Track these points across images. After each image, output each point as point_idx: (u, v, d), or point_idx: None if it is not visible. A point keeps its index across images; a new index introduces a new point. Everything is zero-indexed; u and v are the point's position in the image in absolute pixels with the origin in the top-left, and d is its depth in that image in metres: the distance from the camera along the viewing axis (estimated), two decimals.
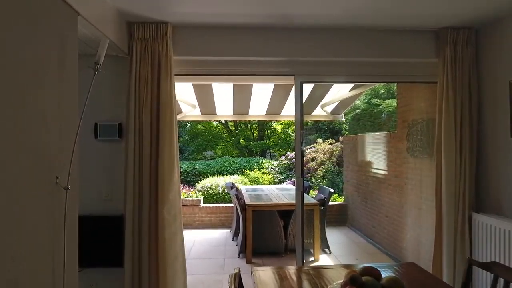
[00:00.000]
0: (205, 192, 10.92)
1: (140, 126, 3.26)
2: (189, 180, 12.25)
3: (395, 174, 5.01)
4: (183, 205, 6.77)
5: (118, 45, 3.06)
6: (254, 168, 12.29)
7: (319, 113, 6.72)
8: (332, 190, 5.35)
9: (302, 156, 3.79)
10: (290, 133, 17.29)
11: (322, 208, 5.21)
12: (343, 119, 6.66)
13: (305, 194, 5.73)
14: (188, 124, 16.16)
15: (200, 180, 11.70)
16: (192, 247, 5.70)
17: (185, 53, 3.44)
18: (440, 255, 3.32)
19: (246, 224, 4.95)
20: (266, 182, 11.55)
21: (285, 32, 3.43)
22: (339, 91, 5.61)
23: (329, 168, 9.32)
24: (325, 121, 12.29)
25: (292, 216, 5.18)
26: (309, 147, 11.27)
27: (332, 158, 10.17)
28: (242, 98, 5.73)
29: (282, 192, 5.92)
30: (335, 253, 5.34)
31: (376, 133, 5.87)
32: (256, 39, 3.45)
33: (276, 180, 11.49)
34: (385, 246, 5.31)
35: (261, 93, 5.51)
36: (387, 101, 8.30)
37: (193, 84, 5.04)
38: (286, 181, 11.10)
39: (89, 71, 2.36)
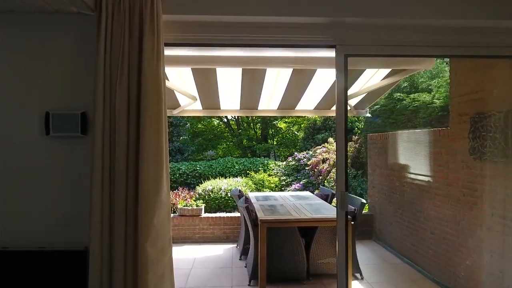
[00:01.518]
0: (206, 196, 9.83)
1: (112, 117, 2.14)
2: (189, 183, 11.14)
3: (446, 181, 3.89)
4: (181, 215, 5.64)
5: None
6: (259, 170, 11.16)
7: None
8: (364, 201, 4.22)
9: (346, 161, 2.66)
10: (295, 132, 16.17)
11: (353, 223, 4.09)
12: (368, 115, 5.54)
13: (330, 206, 4.59)
14: (188, 124, 15.04)
15: (201, 183, 10.60)
16: (191, 269, 4.57)
17: (178, 10, 2.31)
18: None
19: (260, 243, 3.82)
20: (272, 185, 10.43)
21: None
22: (370, 79, 4.48)
23: None
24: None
25: (315, 234, 4.07)
26: (320, 147, 10.14)
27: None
28: (251, 89, 4.59)
29: (300, 202, 4.79)
30: (368, 279, 4.22)
31: (417, 131, 4.75)
32: None
33: (284, 182, 10.36)
34: (430, 270, 4.19)
35: (274, 82, 4.39)
36: (411, 96, 7.22)
37: (192, 70, 3.91)
38: (294, 184, 9.98)
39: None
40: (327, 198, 5.00)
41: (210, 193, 9.97)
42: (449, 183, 3.83)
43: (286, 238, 4.00)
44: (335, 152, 9.45)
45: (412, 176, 4.62)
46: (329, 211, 4.18)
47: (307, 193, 5.50)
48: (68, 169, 2.23)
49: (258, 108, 5.58)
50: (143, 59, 2.14)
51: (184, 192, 10.73)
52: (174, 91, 4.56)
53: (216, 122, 16.78)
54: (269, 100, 5.19)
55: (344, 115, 2.58)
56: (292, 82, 4.33)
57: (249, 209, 4.04)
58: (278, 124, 16.19)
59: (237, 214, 5.82)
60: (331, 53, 3.52)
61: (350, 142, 9.64)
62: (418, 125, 6.92)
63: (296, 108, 5.64)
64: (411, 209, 4.60)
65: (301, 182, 9.86)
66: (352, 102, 5.20)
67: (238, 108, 5.54)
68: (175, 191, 10.83)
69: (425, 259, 4.28)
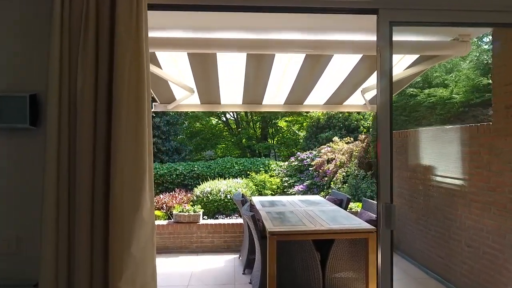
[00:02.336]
0: (205, 199, 9.19)
1: (72, 102, 1.49)
2: (187, 184, 10.48)
3: (487, 185, 3.26)
4: (176, 222, 5.00)
5: None
6: (260, 170, 10.52)
7: (354, 102, 4.97)
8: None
9: (391, 164, 2.03)
10: (296, 131, 15.54)
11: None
12: None
13: (347, 213, 3.92)
14: (186, 122, 14.36)
15: (199, 184, 9.95)
16: (188, 287, 3.92)
17: None
18: None
19: (268, 259, 3.18)
20: (274, 186, 9.80)
21: None
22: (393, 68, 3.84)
23: (351, 172, 7.57)
24: (347, 114, 10.52)
25: (332, 247, 3.43)
26: (324, 146, 9.51)
27: (353, 159, 8.43)
28: (256, 79, 3.94)
29: (312, 209, 4.14)
30: None
31: (447, 127, 4.12)
32: None
33: (286, 184, 9.73)
34: None
35: (283, 73, 3.75)
36: (426, 91, 6.62)
37: (189, 57, 3.26)
38: (297, 185, 9.36)
39: None
40: (341, 204, 4.37)
41: (209, 195, 9.33)
42: (492, 187, 3.20)
43: (298, 252, 3.36)
44: (341, 152, 8.83)
45: (439, 179, 4.00)
46: (347, 220, 3.55)
47: (317, 198, 4.86)
48: (12, 176, 1.57)
49: (263, 103, 4.94)
50: (117, 19, 1.48)
51: (181, 194, 10.09)
52: (169, 81, 3.91)
53: (214, 121, 16.14)
54: (276, 93, 4.54)
55: (389, 107, 1.95)
56: (304, 72, 3.69)
57: (255, 218, 3.39)
58: (279, 123, 15.55)
59: (239, 220, 5.18)
60: (356, 36, 2.92)
61: (357, 142, 9.03)
62: (434, 122, 6.32)
63: (304, 103, 5.01)
64: (439, 217, 3.97)
65: (305, 184, 9.24)
66: (369, 95, 4.57)
67: (241, 102, 4.90)
68: (171, 193, 10.19)
69: (458, 275, 3.66)
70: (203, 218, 7.40)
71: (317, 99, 4.90)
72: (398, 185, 4.77)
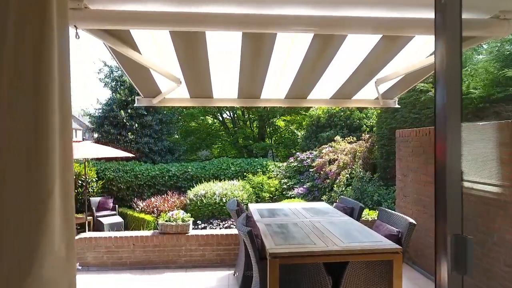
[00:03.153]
0: (199, 202, 8.52)
1: None
2: (180, 186, 9.81)
3: None
4: (162, 233, 4.33)
5: None
6: (257, 172, 9.87)
7: (364, 96, 4.32)
8: (413, 221, 2.93)
9: (461, 178, 1.36)
10: (295, 131, 14.89)
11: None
12: (397, 106, 4.27)
13: (362, 226, 3.23)
14: (181, 121, 13.68)
15: (193, 186, 9.29)
16: None
17: None
18: None
19: (269, 285, 2.53)
20: (272, 188, 9.15)
21: None
22: (413, 55, 3.21)
23: (356, 173, 6.93)
24: (349, 112, 9.88)
25: (346, 269, 2.77)
26: (326, 146, 8.87)
27: (356, 160, 7.79)
28: (254, 68, 3.28)
29: (320, 220, 3.49)
30: None
31: (480, 123, 3.48)
32: None
33: (285, 186, 9.08)
34: None
35: (285, 59, 3.10)
36: None
37: (173, 38, 2.60)
38: (296, 187, 8.71)
39: None
40: (352, 213, 3.72)
41: (203, 199, 8.67)
42: None
43: (306, 276, 2.70)
44: (343, 152, 8.19)
45: (469, 184, 3.36)
46: (364, 235, 2.89)
47: (324, 205, 4.20)
48: None
49: (261, 97, 4.28)
50: None
51: (173, 197, 9.43)
52: (150, 69, 3.24)
53: (210, 120, 15.47)
54: (276, 85, 3.88)
55: (459, 92, 1.28)
56: (310, 58, 3.03)
57: (253, 234, 2.73)
58: (276, 122, 14.91)
59: (234, 230, 4.51)
60: (374, 11, 2.29)
61: (360, 141, 8.39)
62: None
63: (308, 97, 4.35)
64: (469, 229, 3.33)
65: (305, 186, 8.60)
66: (382, 88, 3.92)
67: (236, 96, 4.23)
68: (163, 196, 9.53)
69: None
70: (194, 228, 6.73)
71: (323, 92, 4.25)
72: (414, 191, 4.13)
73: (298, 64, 3.22)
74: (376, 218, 4.34)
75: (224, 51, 2.86)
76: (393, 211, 3.27)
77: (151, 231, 4.36)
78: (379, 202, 6.17)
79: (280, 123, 14.94)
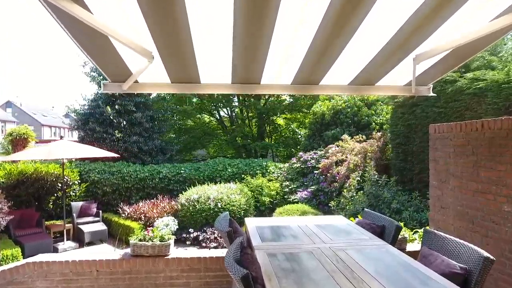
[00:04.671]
0: (191, 207, 7.52)
1: None
2: (172, 189, 8.82)
3: None
4: (135, 256, 3.35)
5: None
6: (257, 173, 8.88)
7: (390, 82, 3.35)
8: (489, 256, 1.96)
9: None
10: (296, 130, 13.93)
11: None
12: (432, 94, 3.29)
13: (410, 260, 2.22)
14: (174, 117, 12.66)
15: (186, 189, 8.30)
16: None
17: None
18: None
19: None
20: (273, 192, 8.16)
21: None
22: (470, 18, 2.23)
23: (369, 176, 5.96)
24: (356, 109, 8.87)
25: None
26: (332, 146, 7.90)
27: (367, 161, 6.83)
28: (252, 42, 2.32)
29: (343, 246, 2.50)
30: None
31: None
32: None
33: (287, 189, 8.10)
34: None
35: (293, 33, 2.15)
36: (469, 75, 5.01)
37: None
38: (300, 191, 7.75)
39: None
40: (382, 233, 2.75)
41: (196, 204, 7.66)
42: None
43: None
44: (353, 152, 7.22)
45: None
46: (420, 279, 1.91)
47: (342, 221, 3.20)
48: None
49: (262, 83, 3.32)
50: None
51: (164, 202, 8.42)
52: (110, 39, 2.25)
53: (207, 118, 14.49)
54: (281, 66, 2.92)
55: None
56: (325, 30, 2.08)
57: (250, 279, 1.75)
58: (276, 120, 13.93)
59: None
60: None
61: (371, 140, 7.43)
62: (483, 113, 4.76)
63: (321, 83, 3.38)
64: None
65: (309, 189, 7.63)
66: (422, 67, 2.95)
67: (230, 81, 3.26)
68: (152, 200, 8.51)
69: None
70: (184, 238, 5.69)
71: (340, 77, 3.30)
72: (458, 202, 3.16)
73: (310, 39, 2.28)
74: (406, 236, 3.36)
75: (212, 18, 1.90)
76: (446, 235, 2.30)
77: (122, 251, 3.38)
78: (398, 211, 5.20)
79: (281, 121, 13.98)
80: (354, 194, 6.06)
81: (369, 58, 2.78)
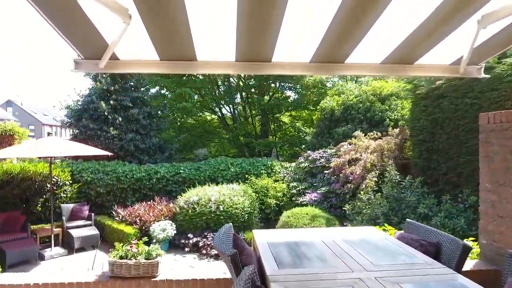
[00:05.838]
0: (190, 211, 6.80)
1: None
2: (170, 190, 8.13)
3: None
4: (114, 277, 2.65)
5: None
6: (261, 173, 8.18)
7: (433, 60, 2.64)
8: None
9: None
10: (301, 128, 13.22)
11: None
12: (484, 75, 2.58)
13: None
14: (175, 114, 11.98)
15: (185, 190, 7.61)
16: None
17: None
18: None
19: None
20: (279, 193, 7.46)
21: None
22: None
23: (390, 177, 5.24)
24: (369, 104, 8.14)
25: None
26: (344, 143, 7.19)
27: (385, 159, 6.12)
28: (262, 9, 1.65)
29: (397, 277, 1.78)
30: None
31: None
32: None
33: (294, 191, 7.40)
34: None
35: None
36: (509, 60, 4.31)
37: None
38: (308, 193, 7.04)
39: None
40: (437, 253, 2.04)
41: (196, 206, 6.93)
42: None
43: None
44: (368, 150, 6.52)
45: None
46: None
47: (379, 236, 2.48)
48: None
49: (273, 60, 2.62)
50: None
51: (161, 204, 7.72)
52: None
53: (209, 116, 13.80)
54: (298, 40, 2.23)
55: None
56: None
57: None
58: (282, 118, 13.23)
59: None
60: None
61: (388, 137, 6.72)
62: None
63: (346, 61, 2.69)
64: None
65: (319, 191, 6.93)
66: (486, 34, 2.24)
67: (233, 58, 2.57)
68: (149, 202, 7.81)
69: None
70: (183, 243, 4.90)
71: (371, 54, 2.61)
72: None
73: (336, 4, 1.60)
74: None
75: None
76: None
77: (99, 271, 2.69)
78: (426, 216, 4.49)
79: (285, 118, 13.28)
80: (372, 197, 5.35)
81: (410, 30, 2.11)
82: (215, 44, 2.43)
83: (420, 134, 5.56)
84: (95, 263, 4.74)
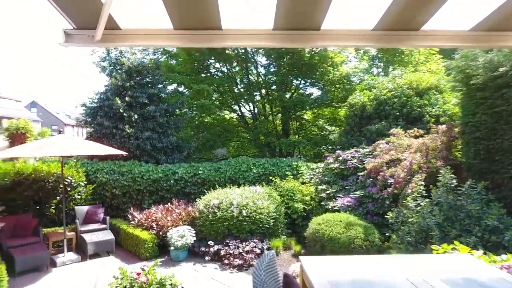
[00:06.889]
0: (211, 215, 6.17)
1: None
2: (189, 192, 7.56)
3: None
4: None
5: None
6: (286, 174, 7.47)
7: None
8: None
9: None
10: (325, 126, 12.40)
11: None
12: None
13: None
14: (193, 112, 11.43)
15: (204, 193, 7.01)
16: None
17: None
18: None
19: None
20: (307, 197, 6.74)
21: None
22: None
23: (444, 181, 4.41)
24: (405, 99, 7.27)
25: None
26: (381, 142, 6.38)
27: (432, 160, 5.28)
28: None
29: None
30: None
31: None
32: None
33: (323, 194, 6.64)
34: None
35: None
36: None
37: None
38: (340, 197, 6.29)
39: None
40: None
41: (216, 211, 6.28)
42: None
43: None
44: (410, 150, 5.68)
45: None
46: None
47: (481, 269, 1.76)
48: None
49: (322, 28, 1.93)
50: None
51: (179, 208, 7.15)
52: None
53: (227, 115, 13.21)
54: (358, 3, 1.54)
55: None
56: None
57: None
58: (305, 115, 12.46)
59: None
60: None
61: (432, 135, 5.86)
62: None
63: (423, 28, 1.97)
64: None
65: (352, 195, 6.17)
66: None
67: (271, 26, 1.90)
68: (166, 205, 7.25)
69: None
70: (204, 251, 4.21)
71: (455, 18, 1.91)
72: None
73: None
74: None
75: None
76: None
77: None
78: (495, 230, 3.66)
79: (309, 115, 12.49)
80: (421, 203, 4.55)
81: None
82: (246, 7, 1.79)
83: (477, 131, 4.71)
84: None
